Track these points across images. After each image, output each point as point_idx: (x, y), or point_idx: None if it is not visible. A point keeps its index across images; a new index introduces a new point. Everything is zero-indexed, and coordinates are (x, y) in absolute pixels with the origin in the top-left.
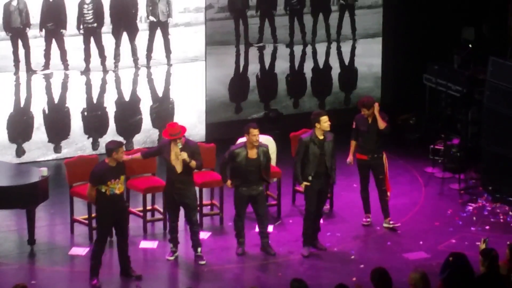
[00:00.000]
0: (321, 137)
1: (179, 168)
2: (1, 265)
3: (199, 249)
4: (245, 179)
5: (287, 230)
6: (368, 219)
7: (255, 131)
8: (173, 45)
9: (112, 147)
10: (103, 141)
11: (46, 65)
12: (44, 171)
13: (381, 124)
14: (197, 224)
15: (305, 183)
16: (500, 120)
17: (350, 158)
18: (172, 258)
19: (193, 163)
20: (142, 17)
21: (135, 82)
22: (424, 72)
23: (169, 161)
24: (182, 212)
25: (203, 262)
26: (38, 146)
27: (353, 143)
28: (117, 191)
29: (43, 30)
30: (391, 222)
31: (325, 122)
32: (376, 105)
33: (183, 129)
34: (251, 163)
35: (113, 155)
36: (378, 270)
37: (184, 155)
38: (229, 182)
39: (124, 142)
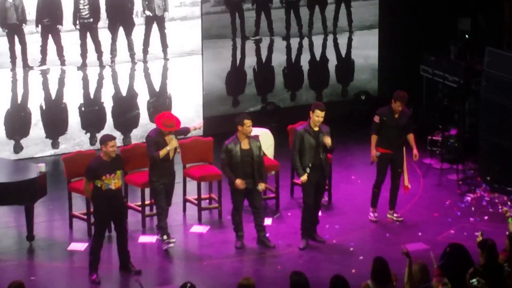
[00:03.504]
0: (316, 129)
1: (171, 156)
2: (0, 262)
3: (164, 236)
4: (241, 172)
5: (285, 222)
6: (376, 214)
7: (249, 122)
8: (169, 39)
9: (101, 140)
10: (101, 136)
11: (43, 61)
12: (42, 167)
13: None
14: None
15: (305, 176)
16: (497, 110)
17: (374, 152)
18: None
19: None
20: (138, 12)
21: (132, 77)
22: (421, 63)
23: (167, 152)
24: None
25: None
26: (36, 142)
27: (374, 137)
28: (113, 186)
29: (39, 26)
30: (395, 215)
31: (317, 116)
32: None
33: (178, 121)
34: (245, 154)
35: (103, 149)
36: (379, 260)
37: (175, 142)
38: (238, 181)
39: (122, 136)
